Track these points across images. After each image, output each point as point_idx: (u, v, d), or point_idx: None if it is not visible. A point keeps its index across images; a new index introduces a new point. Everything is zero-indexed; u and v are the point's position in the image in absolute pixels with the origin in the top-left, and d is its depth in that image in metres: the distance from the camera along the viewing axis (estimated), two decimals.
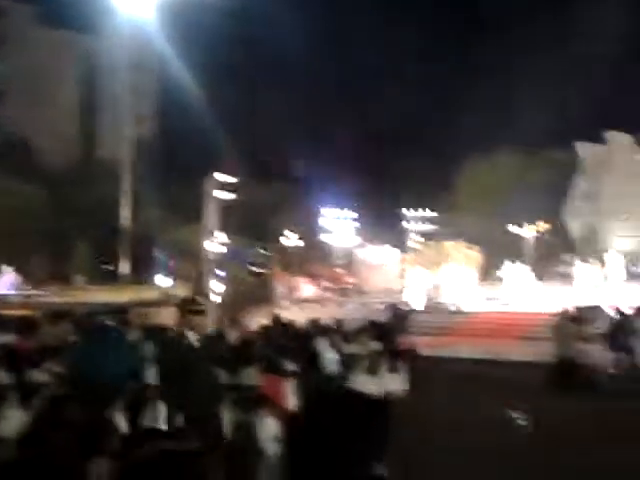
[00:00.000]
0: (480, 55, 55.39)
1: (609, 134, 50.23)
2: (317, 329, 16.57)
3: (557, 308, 20.67)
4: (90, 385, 8.48)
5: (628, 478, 10.50)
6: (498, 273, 40.69)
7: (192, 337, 8.02)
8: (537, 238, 48.09)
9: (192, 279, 42.86)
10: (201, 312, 8.05)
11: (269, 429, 9.21)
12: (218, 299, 38.77)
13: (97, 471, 3.65)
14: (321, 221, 49.60)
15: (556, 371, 18.61)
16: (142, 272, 56.37)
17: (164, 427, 7.80)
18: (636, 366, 19.92)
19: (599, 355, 20.55)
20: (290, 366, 13.60)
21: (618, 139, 50.11)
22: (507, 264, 40.25)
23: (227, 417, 9.14)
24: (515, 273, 40.07)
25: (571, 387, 17.89)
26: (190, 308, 8.01)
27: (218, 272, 39.86)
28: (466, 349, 27.19)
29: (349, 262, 50.86)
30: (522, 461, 10.98)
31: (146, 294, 39.57)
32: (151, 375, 9.13)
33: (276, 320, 18.89)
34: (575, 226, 50.71)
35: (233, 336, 16.02)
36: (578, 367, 18.65)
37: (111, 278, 57.68)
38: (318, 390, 2.81)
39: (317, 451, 2.08)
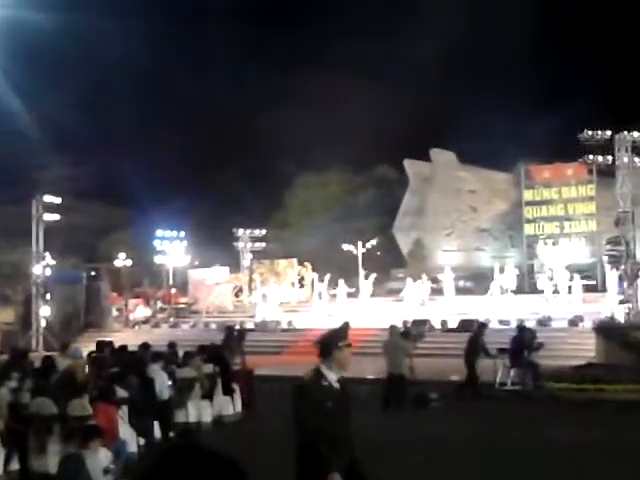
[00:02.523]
0: (300, 77, 55.97)
1: (433, 151, 51.88)
2: (149, 353, 16.26)
3: (387, 324, 20.97)
4: None
5: None
6: (331, 290, 41.17)
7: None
8: (368, 254, 48.97)
9: (17, 303, 41.45)
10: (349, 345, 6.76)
11: (100, 461, 9.00)
12: (44, 323, 37.70)
13: None
14: (154, 242, 48.92)
15: (386, 387, 18.90)
16: None
17: None
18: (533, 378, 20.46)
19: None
20: (122, 393, 13.32)
21: (442, 157, 51.83)
22: (340, 282, 40.82)
23: (57, 450, 8.87)
24: (345, 290, 40.74)
25: (397, 403, 18.25)
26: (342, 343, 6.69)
27: (46, 295, 38.72)
28: (299, 367, 27.34)
29: (182, 282, 50.43)
30: None
31: None
32: None
33: (107, 345, 18.42)
34: (404, 242, 51.96)
35: (63, 363, 15.53)
36: (406, 383, 18.99)
37: None
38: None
39: None
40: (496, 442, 13.84)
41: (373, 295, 41.70)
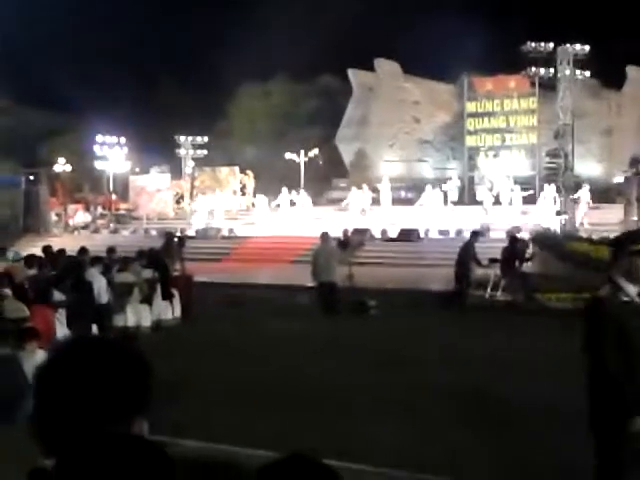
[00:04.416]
0: None
1: (377, 61, 51.52)
2: (87, 257, 16.22)
3: (319, 232, 20.88)
4: None
5: None
6: (274, 200, 41.14)
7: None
8: (310, 164, 48.93)
9: None
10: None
11: (36, 363, 9.03)
12: None
13: None
14: (95, 148, 48.23)
15: (319, 295, 19.09)
16: None
17: None
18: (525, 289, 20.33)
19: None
20: (59, 296, 13.34)
21: (386, 67, 51.51)
22: (283, 190, 40.77)
23: None
24: (289, 198, 40.77)
25: (333, 310, 18.45)
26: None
27: None
28: (239, 274, 27.58)
29: (123, 189, 50.00)
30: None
31: None
32: None
33: (46, 249, 18.33)
34: (346, 152, 51.93)
35: (1, 266, 15.46)
36: (339, 291, 19.19)
37: None
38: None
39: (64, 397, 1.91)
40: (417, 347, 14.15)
41: (315, 204, 41.74)
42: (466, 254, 20.28)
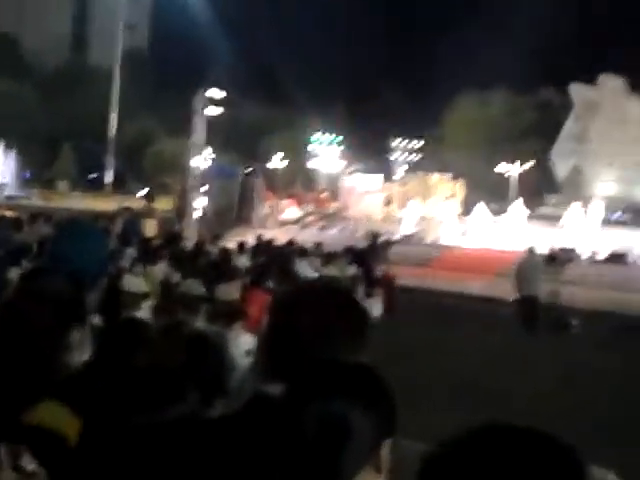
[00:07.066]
0: None
1: (602, 77, 49.99)
2: (296, 250, 16.73)
3: (526, 247, 20.77)
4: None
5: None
6: (480, 210, 40.69)
7: None
8: (523, 177, 48.16)
9: (175, 192, 42.83)
10: None
11: (241, 343, 9.40)
12: (199, 214, 38.80)
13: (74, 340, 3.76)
14: (310, 146, 49.47)
15: (520, 309, 18.92)
16: (128, 183, 56.27)
17: None
18: None
19: None
20: (270, 284, 13.79)
21: (610, 83, 49.89)
22: (480, 204, 40.23)
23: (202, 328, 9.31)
24: (485, 211, 40.19)
25: (534, 326, 18.19)
26: None
27: (203, 187, 39.78)
28: (440, 281, 27.49)
29: (334, 187, 50.90)
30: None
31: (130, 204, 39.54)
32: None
33: (259, 239, 19.07)
34: (561, 168, 50.73)
35: (215, 251, 16.18)
36: (540, 307, 18.92)
37: (96, 186, 57.51)
38: None
39: None
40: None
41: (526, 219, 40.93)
42: None
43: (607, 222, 39.99)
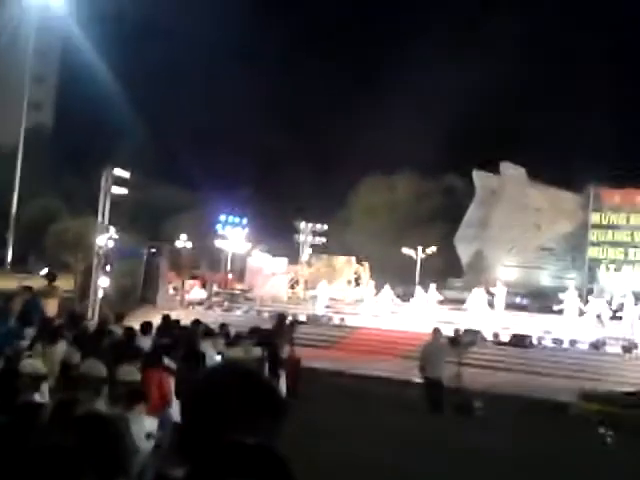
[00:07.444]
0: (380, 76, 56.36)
1: (503, 165, 51.55)
2: (200, 329, 16.51)
3: (430, 329, 20.91)
4: None
5: None
6: (386, 292, 41.05)
7: None
8: (426, 261, 48.89)
9: (77, 272, 42.15)
10: None
11: (143, 425, 9.17)
12: (101, 294, 38.23)
13: None
14: (216, 226, 49.45)
15: (426, 391, 18.96)
16: (29, 262, 55.08)
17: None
18: None
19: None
20: (170, 364, 13.53)
21: (511, 171, 51.47)
22: (386, 286, 40.58)
23: (103, 411, 9.05)
24: (391, 294, 40.53)
25: (440, 408, 18.24)
26: None
27: (106, 267, 39.22)
28: (347, 363, 27.49)
29: (240, 269, 50.82)
30: None
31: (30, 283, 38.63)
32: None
33: (166, 319, 18.80)
34: (465, 252, 51.75)
35: (119, 331, 15.85)
36: (445, 389, 18.99)
37: None
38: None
39: None
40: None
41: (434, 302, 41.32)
42: None
43: (509, 305, 40.75)
